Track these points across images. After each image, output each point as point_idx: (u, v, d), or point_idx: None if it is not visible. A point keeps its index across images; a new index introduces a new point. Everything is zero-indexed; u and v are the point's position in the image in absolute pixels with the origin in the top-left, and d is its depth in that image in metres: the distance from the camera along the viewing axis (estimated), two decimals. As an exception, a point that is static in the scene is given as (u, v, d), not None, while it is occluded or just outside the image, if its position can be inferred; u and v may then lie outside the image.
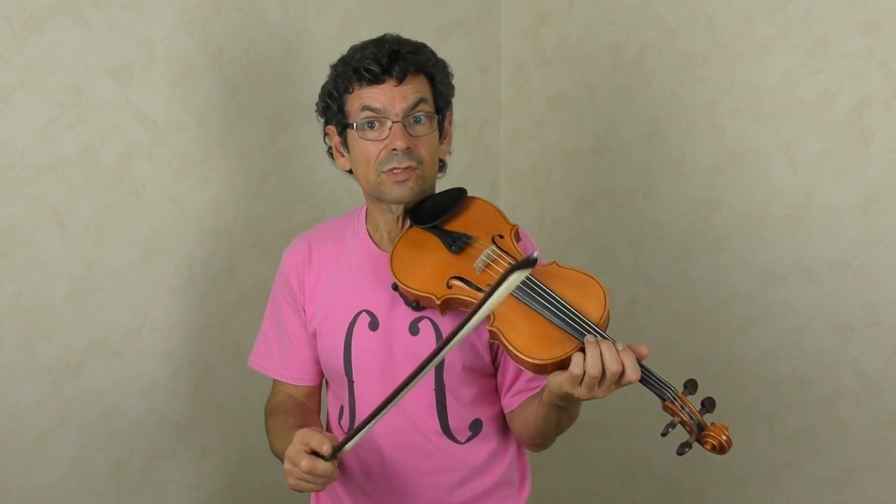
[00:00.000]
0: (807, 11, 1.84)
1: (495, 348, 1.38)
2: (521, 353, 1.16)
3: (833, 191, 1.85)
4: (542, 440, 1.37)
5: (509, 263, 1.25)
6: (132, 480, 1.73)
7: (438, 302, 1.26)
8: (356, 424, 1.21)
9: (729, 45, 1.97)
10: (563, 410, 1.26)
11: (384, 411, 1.14)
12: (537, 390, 1.35)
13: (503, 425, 1.43)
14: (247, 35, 1.82)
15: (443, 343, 1.11)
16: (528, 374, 1.34)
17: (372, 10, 2.05)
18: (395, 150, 1.28)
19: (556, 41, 2.31)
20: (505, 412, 1.42)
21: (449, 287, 1.26)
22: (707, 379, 2.10)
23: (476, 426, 1.38)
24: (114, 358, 1.68)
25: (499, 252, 1.29)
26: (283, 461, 1.25)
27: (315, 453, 1.16)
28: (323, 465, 1.15)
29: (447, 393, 1.35)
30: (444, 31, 2.24)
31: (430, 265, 1.30)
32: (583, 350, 1.13)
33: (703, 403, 1.19)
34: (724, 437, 1.14)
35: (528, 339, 1.17)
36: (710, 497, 2.14)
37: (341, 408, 1.42)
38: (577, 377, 1.12)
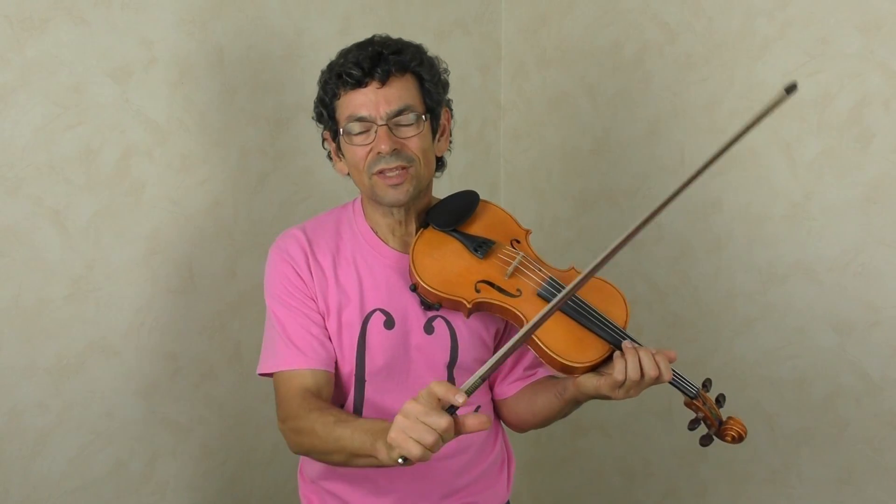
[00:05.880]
0: (807, 11, 1.84)
1: (498, 338, 1.42)
2: (559, 356, 1.23)
3: (833, 191, 1.85)
4: (542, 426, 1.43)
5: (538, 270, 1.31)
6: (132, 480, 1.73)
7: (469, 306, 1.28)
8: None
9: (729, 45, 1.97)
10: (579, 404, 1.33)
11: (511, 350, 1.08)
12: (533, 378, 1.43)
13: (493, 408, 1.49)
14: (247, 35, 1.82)
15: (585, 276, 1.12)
16: (525, 363, 1.43)
17: (372, 10, 2.05)
18: (379, 153, 1.27)
19: (556, 41, 2.31)
20: (497, 398, 1.47)
21: (477, 291, 1.29)
22: (707, 379, 2.11)
23: (475, 411, 1.42)
24: (114, 358, 1.67)
25: (526, 258, 1.33)
26: (354, 453, 1.16)
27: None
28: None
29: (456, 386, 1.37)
30: (444, 31, 2.24)
31: (455, 268, 1.32)
32: (615, 355, 1.22)
33: (717, 399, 1.32)
34: (741, 427, 1.29)
35: (565, 343, 1.24)
36: (711, 497, 2.14)
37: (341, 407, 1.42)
38: (618, 382, 1.20)
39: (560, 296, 1.13)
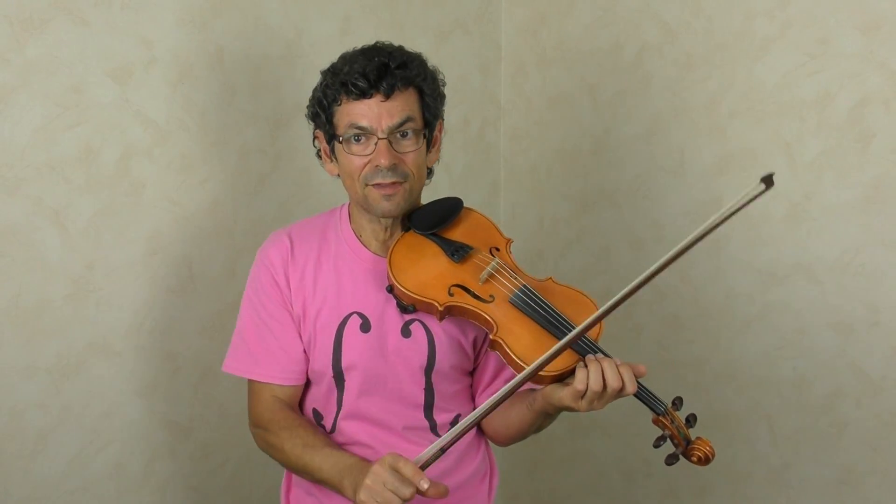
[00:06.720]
0: (807, 11, 1.84)
1: (478, 348, 1.42)
2: (524, 362, 1.22)
3: (833, 191, 1.85)
4: (518, 440, 1.42)
5: (512, 277, 1.31)
6: (132, 480, 1.73)
7: (440, 308, 1.28)
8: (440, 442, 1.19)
9: (729, 45, 1.97)
10: (550, 417, 1.32)
11: (467, 426, 1.18)
12: None
13: None
14: (247, 35, 1.82)
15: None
16: (505, 375, 1.41)
17: (372, 10, 2.05)
18: (378, 166, 1.28)
19: (556, 41, 2.31)
20: None
21: (450, 294, 1.29)
22: (707, 379, 2.10)
23: (455, 421, 1.42)
24: (114, 358, 1.68)
25: (502, 265, 1.33)
26: (321, 481, 1.29)
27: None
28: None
29: (435, 393, 1.39)
30: (444, 31, 2.24)
31: (430, 271, 1.32)
32: (577, 365, 1.21)
33: (687, 419, 1.29)
34: (709, 449, 1.26)
35: (532, 350, 1.23)
36: (710, 497, 2.14)
37: (315, 410, 1.43)
38: (579, 392, 1.19)
39: (543, 357, 1.17)
